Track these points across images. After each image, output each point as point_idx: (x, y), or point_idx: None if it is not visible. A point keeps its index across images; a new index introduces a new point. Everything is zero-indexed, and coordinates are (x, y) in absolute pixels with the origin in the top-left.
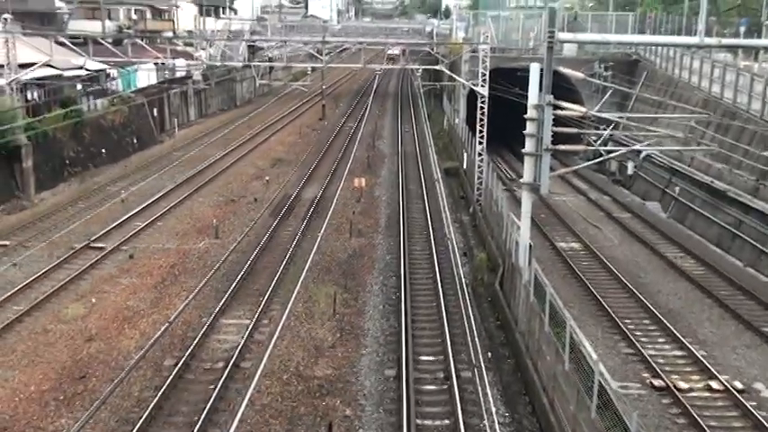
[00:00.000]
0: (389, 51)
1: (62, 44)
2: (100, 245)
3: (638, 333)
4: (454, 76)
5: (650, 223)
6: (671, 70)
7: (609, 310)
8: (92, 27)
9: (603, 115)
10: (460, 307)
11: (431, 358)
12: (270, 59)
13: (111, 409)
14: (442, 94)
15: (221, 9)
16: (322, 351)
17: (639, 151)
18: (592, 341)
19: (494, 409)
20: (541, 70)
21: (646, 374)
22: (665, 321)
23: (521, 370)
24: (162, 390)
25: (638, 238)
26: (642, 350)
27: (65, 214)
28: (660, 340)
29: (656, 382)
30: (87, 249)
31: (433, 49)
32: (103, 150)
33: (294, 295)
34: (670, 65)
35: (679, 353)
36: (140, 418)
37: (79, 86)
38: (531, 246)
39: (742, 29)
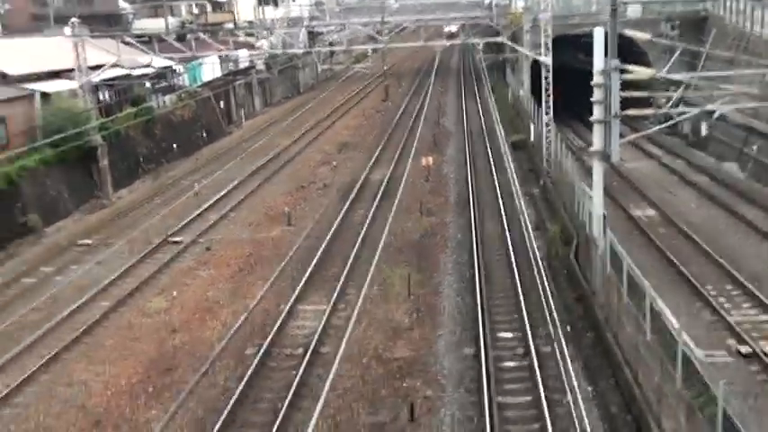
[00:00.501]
0: (447, 28)
1: (128, 44)
2: (177, 239)
3: (722, 299)
4: (516, 47)
5: (728, 185)
6: (742, 24)
7: (689, 276)
8: (155, 25)
9: (673, 76)
10: (536, 281)
11: (509, 335)
12: (330, 44)
13: (198, 399)
14: (504, 66)
15: None
16: (399, 333)
17: (713, 111)
18: (673, 310)
19: (576, 384)
20: (606, 34)
21: (731, 341)
22: (748, 285)
23: (601, 343)
24: (246, 378)
25: (715, 200)
26: (726, 317)
27: (142, 210)
28: (744, 305)
29: (743, 349)
30: (166, 244)
31: (492, 21)
32: (175, 145)
33: (368, 278)
34: (740, 18)
35: (765, 317)
36: (227, 406)
37: (147, 84)
38: (604, 216)
39: None
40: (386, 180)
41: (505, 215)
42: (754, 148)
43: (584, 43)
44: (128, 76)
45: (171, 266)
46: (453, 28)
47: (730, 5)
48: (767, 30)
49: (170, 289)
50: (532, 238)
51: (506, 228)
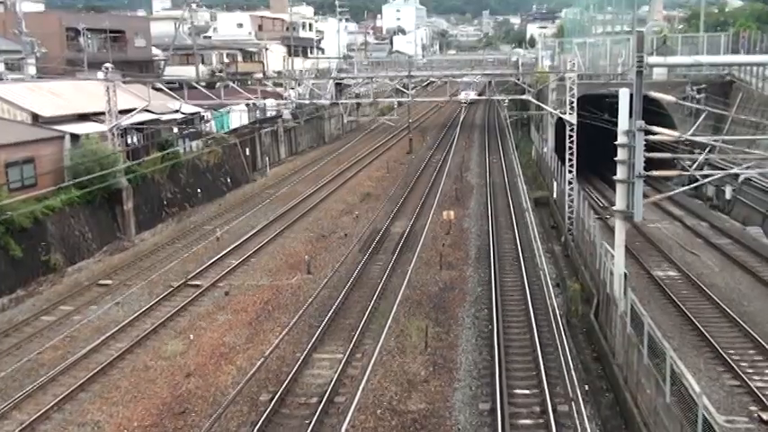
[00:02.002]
0: (463, 94)
1: (159, 89)
2: (197, 282)
3: (744, 364)
4: (541, 104)
5: (752, 249)
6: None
7: (711, 340)
8: (187, 72)
9: (698, 139)
10: (555, 338)
11: (526, 392)
12: (357, 96)
13: None
14: (529, 123)
15: (309, 49)
16: (415, 385)
17: (737, 175)
18: (694, 373)
19: None
20: (631, 95)
21: (753, 407)
22: None
23: (619, 403)
24: (258, 425)
25: (739, 264)
26: (749, 382)
27: (163, 253)
28: (767, 371)
29: (765, 416)
30: (185, 287)
31: (519, 79)
32: (199, 190)
33: (386, 329)
34: (766, 84)
35: None
36: None
37: (175, 129)
38: (626, 275)
39: None
40: (407, 232)
41: (526, 271)
42: None
43: (610, 103)
44: (156, 121)
45: (189, 310)
46: (472, 94)
47: (756, 71)
48: None
49: (187, 332)
50: (552, 295)
51: (526, 284)
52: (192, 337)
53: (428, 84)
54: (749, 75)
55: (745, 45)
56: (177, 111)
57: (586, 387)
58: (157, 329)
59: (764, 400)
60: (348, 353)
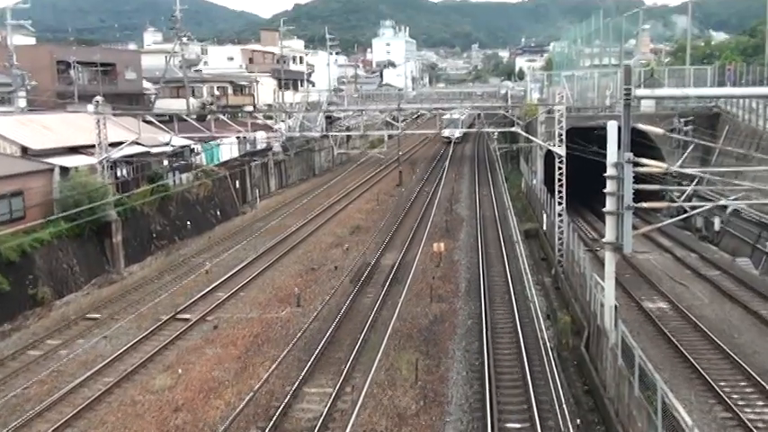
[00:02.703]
0: (446, 132)
1: (149, 122)
2: (185, 316)
3: (735, 396)
4: (530, 137)
5: (741, 280)
6: (755, 122)
7: (702, 372)
8: (177, 105)
9: (686, 170)
10: (546, 371)
11: (517, 426)
12: (347, 129)
13: None
14: (518, 155)
15: (299, 82)
16: (405, 419)
17: (726, 206)
18: (685, 405)
19: None
20: (619, 127)
21: None
22: (763, 383)
23: None
24: None
25: (729, 296)
26: (740, 414)
27: (152, 287)
28: (759, 403)
29: None
30: (173, 321)
31: (508, 111)
32: (188, 223)
33: (376, 363)
34: (753, 116)
35: None
36: None
37: (165, 162)
38: (616, 307)
39: None
40: (397, 264)
41: (516, 303)
42: None
43: (598, 135)
44: (146, 154)
45: (177, 344)
46: (457, 133)
47: (743, 103)
48: None
49: (175, 366)
50: (543, 327)
51: (517, 316)
52: (180, 371)
53: (418, 116)
54: (735, 107)
55: (731, 77)
56: (167, 143)
57: (578, 421)
58: (146, 363)
59: None
60: (338, 387)
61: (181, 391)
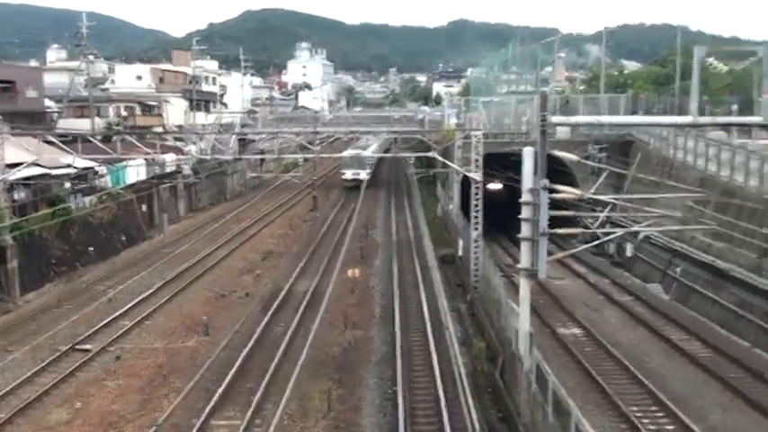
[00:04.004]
0: (348, 174)
1: (51, 143)
2: (86, 347)
3: (646, 421)
4: (447, 162)
5: (652, 306)
6: (666, 150)
7: (614, 397)
8: (81, 125)
9: (599, 197)
10: (460, 398)
11: None
12: (261, 152)
13: None
14: (435, 180)
15: (212, 103)
16: None
17: (638, 233)
18: (599, 431)
19: None
20: (535, 153)
21: None
22: (673, 408)
23: None
24: None
25: (640, 321)
26: None
27: (50, 315)
28: (669, 428)
29: None
30: (72, 352)
31: (425, 136)
32: (91, 248)
33: (287, 393)
34: (664, 145)
35: None
36: None
37: (67, 184)
38: (531, 333)
39: (734, 107)
40: (310, 291)
41: (431, 330)
42: (678, 270)
43: (514, 161)
44: (46, 176)
45: (76, 376)
46: (363, 174)
47: (654, 131)
48: (690, 156)
49: (74, 400)
50: (458, 354)
51: (431, 343)
52: (78, 404)
53: (334, 140)
54: (647, 135)
55: (644, 106)
56: (70, 165)
57: None
58: (41, 397)
59: None
60: (247, 419)
61: (78, 426)
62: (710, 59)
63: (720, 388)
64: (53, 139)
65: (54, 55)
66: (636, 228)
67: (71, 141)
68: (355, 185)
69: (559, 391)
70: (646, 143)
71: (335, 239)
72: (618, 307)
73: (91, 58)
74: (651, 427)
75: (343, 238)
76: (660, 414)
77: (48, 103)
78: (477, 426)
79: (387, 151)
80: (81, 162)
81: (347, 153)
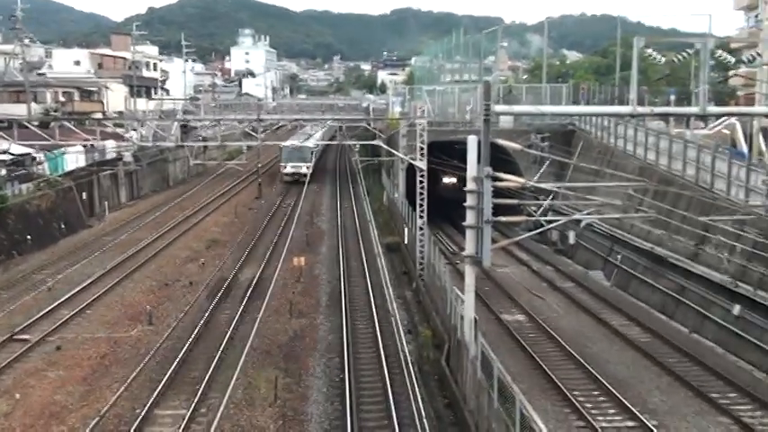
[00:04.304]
0: (288, 168)
1: None
2: (24, 337)
3: (589, 405)
4: (392, 150)
5: (594, 292)
6: (606, 139)
7: (557, 382)
8: (17, 110)
9: (542, 185)
10: (406, 386)
11: None
12: (203, 139)
13: None
14: (380, 169)
15: (153, 89)
16: None
17: (579, 220)
18: (542, 415)
19: None
20: (479, 142)
21: None
22: (614, 392)
23: None
24: None
25: (582, 307)
26: (593, 422)
27: None
28: (611, 411)
29: None
30: (10, 342)
31: (369, 125)
32: (29, 237)
33: (233, 382)
34: (605, 134)
35: (631, 423)
36: None
37: (3, 171)
38: (476, 320)
39: (672, 97)
40: (256, 279)
41: (377, 318)
42: (618, 257)
43: (459, 150)
44: None
45: (15, 367)
46: (304, 168)
47: (596, 121)
48: (630, 145)
49: (12, 391)
50: (404, 341)
51: (378, 330)
52: (18, 396)
53: (278, 127)
54: (589, 124)
55: (585, 96)
56: (5, 152)
57: None
58: None
59: None
60: (192, 408)
61: (18, 418)
62: (649, 51)
63: (659, 371)
64: None
65: None
66: (577, 216)
67: (6, 127)
68: (297, 180)
69: (504, 376)
70: (587, 132)
71: (281, 227)
72: (560, 293)
73: (26, 41)
74: (594, 411)
75: (288, 225)
76: (602, 398)
77: None
78: (423, 412)
79: (332, 139)
80: (17, 148)
81: (287, 144)
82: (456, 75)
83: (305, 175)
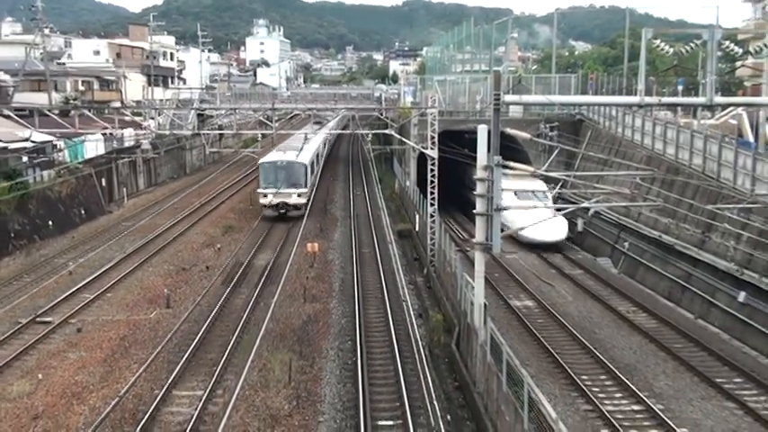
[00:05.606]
0: (269, 197)
1: (7, 116)
2: (47, 319)
3: (596, 389)
4: (404, 139)
5: (602, 279)
6: (614, 129)
7: (565, 366)
8: (38, 99)
9: (551, 174)
10: (417, 369)
11: (389, 423)
12: (219, 127)
13: None
14: (392, 157)
15: (170, 79)
16: (278, 420)
17: (587, 208)
18: (550, 399)
19: None
20: (489, 131)
21: (605, 431)
22: (621, 376)
23: None
24: None
25: (590, 293)
26: (600, 406)
27: (10, 288)
28: (617, 395)
29: None
30: (33, 324)
31: (381, 114)
32: (50, 222)
33: (248, 364)
34: (613, 124)
35: (637, 407)
36: None
37: (25, 158)
38: (485, 305)
39: (680, 88)
40: (270, 264)
41: (389, 303)
42: (626, 245)
43: (469, 139)
44: (3, 150)
45: (38, 348)
46: (294, 197)
47: (604, 111)
48: (637, 134)
49: (35, 372)
50: (415, 325)
51: (390, 315)
52: (40, 376)
53: (292, 116)
54: (597, 114)
55: (593, 86)
56: (27, 139)
57: (449, 417)
58: (2, 369)
59: (615, 423)
60: (209, 389)
61: (41, 397)
62: (657, 42)
63: (666, 357)
64: (9, 113)
65: (9, 28)
66: (586, 204)
67: (28, 116)
68: (283, 215)
69: (513, 360)
70: (595, 122)
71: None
72: (569, 280)
73: (47, 31)
74: (601, 396)
75: None
76: (609, 383)
77: (3, 76)
78: (433, 395)
79: (345, 128)
80: (39, 136)
81: (266, 159)
82: (466, 65)
83: (296, 207)
